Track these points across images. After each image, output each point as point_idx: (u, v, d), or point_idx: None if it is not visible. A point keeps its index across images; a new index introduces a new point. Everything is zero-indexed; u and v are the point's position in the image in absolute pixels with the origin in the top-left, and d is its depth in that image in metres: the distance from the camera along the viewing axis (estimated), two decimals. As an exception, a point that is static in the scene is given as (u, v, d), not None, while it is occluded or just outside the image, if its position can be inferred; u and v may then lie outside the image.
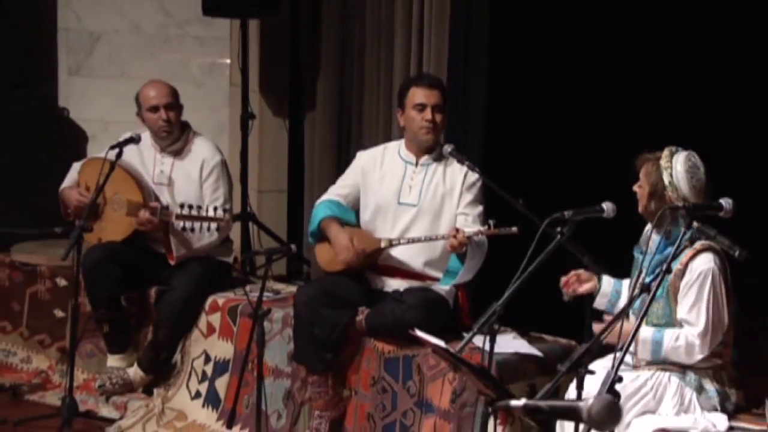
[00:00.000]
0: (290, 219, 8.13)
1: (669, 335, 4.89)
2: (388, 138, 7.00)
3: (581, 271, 5.41)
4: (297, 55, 8.18)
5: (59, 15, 8.21)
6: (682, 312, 4.87)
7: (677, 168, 4.98)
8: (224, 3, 7.48)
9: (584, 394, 4.79)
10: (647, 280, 4.73)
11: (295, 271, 7.44)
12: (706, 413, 4.96)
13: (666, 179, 4.96)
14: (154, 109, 6.62)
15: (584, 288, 5.35)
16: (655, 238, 5.04)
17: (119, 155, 6.31)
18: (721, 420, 4.97)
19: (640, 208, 5.16)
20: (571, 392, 4.56)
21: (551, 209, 5.24)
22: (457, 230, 5.68)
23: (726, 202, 4.53)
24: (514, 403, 2.82)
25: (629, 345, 4.41)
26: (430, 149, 6.03)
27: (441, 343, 4.46)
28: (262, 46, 8.06)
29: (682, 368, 5.03)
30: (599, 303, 5.37)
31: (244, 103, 7.64)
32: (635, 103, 7.21)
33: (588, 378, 4.25)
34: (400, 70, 7.39)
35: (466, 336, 4.78)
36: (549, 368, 5.66)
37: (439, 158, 6.04)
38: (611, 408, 2.55)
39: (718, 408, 5.02)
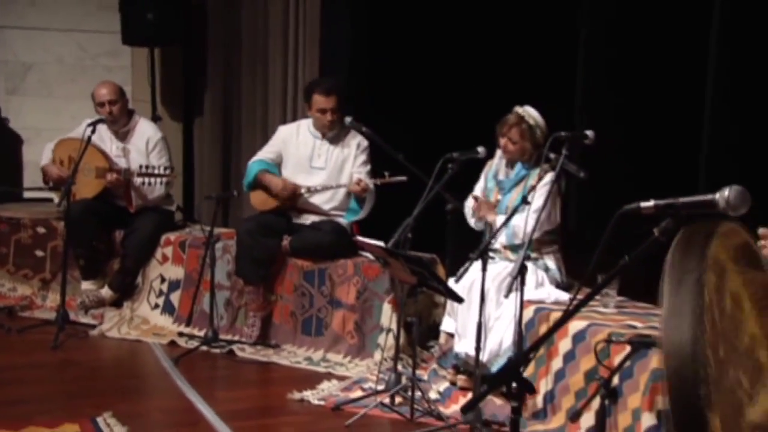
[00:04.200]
0: (185, 192, 8.76)
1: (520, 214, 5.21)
2: (264, 136, 7.56)
3: (485, 200, 5.85)
4: (189, 74, 8.79)
5: (-1, 51, 8.73)
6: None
7: (534, 116, 5.64)
8: (140, 36, 8.19)
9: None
10: (510, 193, 5.66)
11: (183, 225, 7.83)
12: (553, 288, 5.60)
13: (537, 130, 5.61)
14: (101, 104, 7.16)
15: (490, 216, 5.77)
16: (504, 169, 5.80)
17: (93, 131, 6.80)
18: (564, 295, 5.58)
19: (519, 156, 5.67)
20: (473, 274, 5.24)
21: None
22: (360, 180, 6.43)
23: (590, 132, 4.97)
24: (644, 204, 2.75)
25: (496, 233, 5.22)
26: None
27: (380, 243, 5.21)
28: (162, 68, 8.66)
29: (534, 257, 5.64)
30: (477, 225, 5.90)
31: (153, 109, 8.25)
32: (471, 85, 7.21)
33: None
34: (276, 85, 7.91)
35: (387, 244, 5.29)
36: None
37: (338, 133, 6.68)
38: (744, 194, 2.61)
39: (559, 282, 5.68)
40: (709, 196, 2.63)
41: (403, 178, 6.16)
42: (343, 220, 6.67)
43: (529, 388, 2.48)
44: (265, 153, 6.86)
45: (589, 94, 6.45)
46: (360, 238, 5.38)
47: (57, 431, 4.86)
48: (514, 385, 2.48)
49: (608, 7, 6.33)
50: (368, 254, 6.36)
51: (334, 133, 6.70)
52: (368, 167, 6.67)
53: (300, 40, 7.75)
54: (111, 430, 4.91)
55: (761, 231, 3.22)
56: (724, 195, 2.60)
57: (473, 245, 5.44)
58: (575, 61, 6.50)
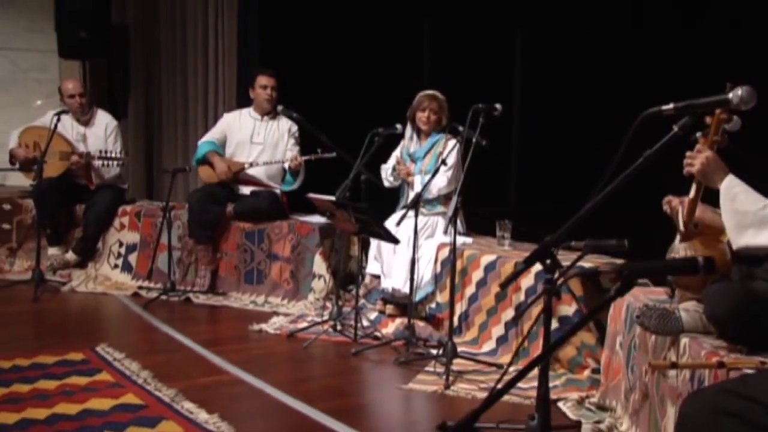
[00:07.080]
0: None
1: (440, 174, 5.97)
2: (185, 135, 8.14)
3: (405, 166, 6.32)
4: (113, 83, 9.18)
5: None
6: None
7: (440, 95, 6.30)
8: (74, 50, 8.63)
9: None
10: (423, 159, 6.24)
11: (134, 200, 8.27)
12: (458, 236, 6.01)
13: (444, 104, 6.29)
14: (72, 96, 7.62)
15: (410, 177, 6.29)
16: (416, 143, 6.39)
17: (59, 120, 7.22)
18: (468, 239, 6.25)
19: (435, 126, 6.23)
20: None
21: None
22: (297, 156, 7.07)
23: (499, 105, 5.19)
24: (665, 107, 2.74)
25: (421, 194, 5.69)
26: (268, 112, 7.34)
27: (331, 198, 5.75)
28: (91, 77, 9.02)
29: (443, 211, 6.26)
30: (392, 184, 6.52)
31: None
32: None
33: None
34: (197, 88, 8.41)
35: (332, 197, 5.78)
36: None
37: (274, 116, 7.31)
38: (752, 91, 2.74)
39: (462, 232, 6.23)
40: (723, 96, 2.76)
41: (333, 154, 6.75)
42: (278, 190, 7.28)
43: (558, 264, 2.91)
44: (213, 135, 7.44)
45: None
46: (312, 195, 5.91)
47: (65, 358, 5.25)
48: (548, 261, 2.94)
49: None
50: (298, 217, 7.06)
51: (271, 113, 7.31)
52: (298, 147, 7.33)
53: (220, 52, 8.21)
54: (111, 355, 5.37)
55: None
56: (737, 93, 2.77)
57: (383, 207, 6.22)
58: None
